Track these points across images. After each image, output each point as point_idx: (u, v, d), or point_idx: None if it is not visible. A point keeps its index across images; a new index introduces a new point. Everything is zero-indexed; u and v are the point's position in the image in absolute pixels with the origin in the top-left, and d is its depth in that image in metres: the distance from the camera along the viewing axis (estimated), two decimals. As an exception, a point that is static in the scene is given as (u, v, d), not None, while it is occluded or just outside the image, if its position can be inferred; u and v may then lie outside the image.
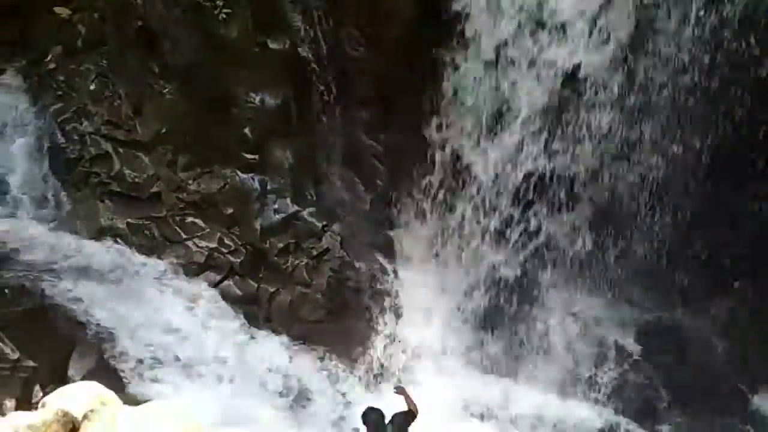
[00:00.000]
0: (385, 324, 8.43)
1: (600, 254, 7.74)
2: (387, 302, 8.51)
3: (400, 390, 6.23)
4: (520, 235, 7.83)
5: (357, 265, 8.37)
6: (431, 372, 8.25)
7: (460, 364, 8.33)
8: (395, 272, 8.51)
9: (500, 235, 7.90)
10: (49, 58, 8.16)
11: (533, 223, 7.77)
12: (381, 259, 8.44)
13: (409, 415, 5.97)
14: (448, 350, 8.40)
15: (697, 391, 7.93)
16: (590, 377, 8.08)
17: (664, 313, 8.21)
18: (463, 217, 8.16)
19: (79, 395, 2.84)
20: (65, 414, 2.71)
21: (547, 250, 7.80)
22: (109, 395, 2.90)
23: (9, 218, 8.18)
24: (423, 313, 8.53)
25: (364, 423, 5.94)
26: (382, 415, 5.91)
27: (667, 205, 7.50)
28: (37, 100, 8.29)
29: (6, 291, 7.30)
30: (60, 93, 8.23)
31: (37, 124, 8.35)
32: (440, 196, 8.23)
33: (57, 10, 8.07)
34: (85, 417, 2.75)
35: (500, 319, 8.21)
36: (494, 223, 7.88)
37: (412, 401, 6.08)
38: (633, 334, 8.25)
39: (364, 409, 6.03)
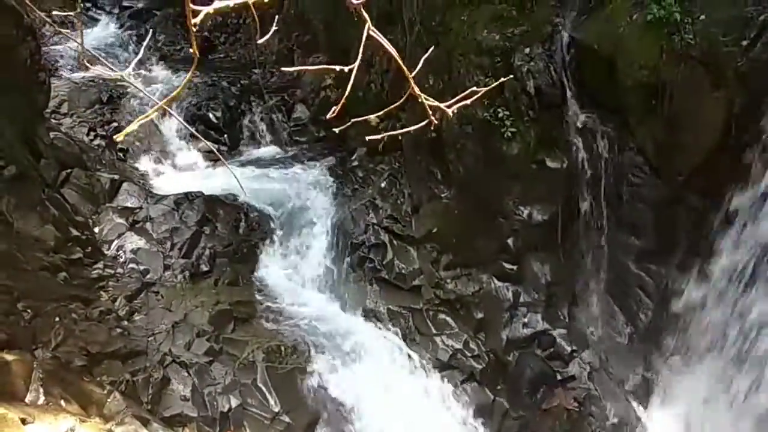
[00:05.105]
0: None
1: None
2: (633, 454, 7.58)
3: None
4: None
5: (603, 402, 7.70)
6: None
7: None
8: (647, 421, 7.57)
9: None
10: (354, 157, 9.66)
11: None
12: (632, 401, 7.63)
13: None
14: None
15: None
16: None
17: None
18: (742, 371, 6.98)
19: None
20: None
21: None
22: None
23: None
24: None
25: None
26: None
27: None
28: (338, 189, 9.75)
29: (282, 348, 8.42)
30: (356, 187, 9.59)
31: (334, 209, 9.76)
32: (711, 340, 7.21)
33: (369, 118, 9.55)
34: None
35: None
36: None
37: None
38: None
39: None
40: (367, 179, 9.63)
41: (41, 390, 5.65)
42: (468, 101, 2.18)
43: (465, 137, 8.60)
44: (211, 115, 11.57)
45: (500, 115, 8.05)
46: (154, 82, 12.25)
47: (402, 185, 9.30)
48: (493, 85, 2.46)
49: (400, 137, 9.45)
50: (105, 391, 6.43)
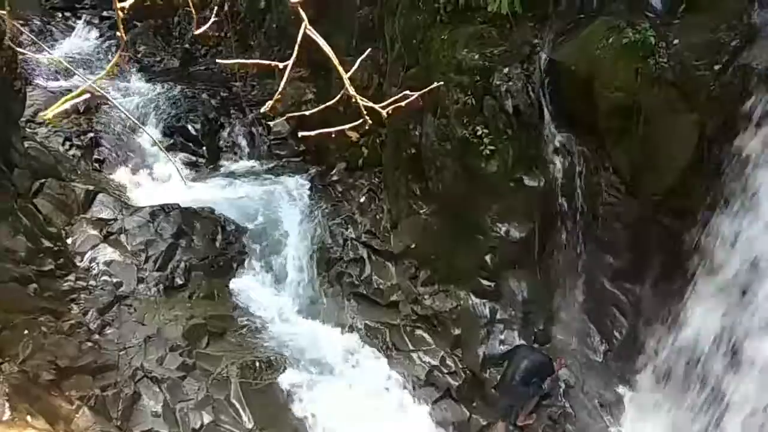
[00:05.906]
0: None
1: None
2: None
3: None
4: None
5: (578, 420, 7.72)
6: None
7: None
8: (621, 438, 7.61)
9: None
10: (334, 171, 9.67)
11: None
12: (606, 419, 7.66)
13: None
14: None
15: None
16: None
17: None
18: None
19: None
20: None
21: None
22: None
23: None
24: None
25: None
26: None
27: None
28: (316, 204, 9.74)
29: (257, 363, 8.31)
30: (335, 201, 9.61)
31: (313, 223, 9.73)
32: (687, 358, 7.27)
33: (349, 132, 9.58)
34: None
35: None
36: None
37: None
38: None
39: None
40: (346, 194, 9.64)
41: (7, 405, 5.52)
42: (402, 104, 2.23)
43: (444, 154, 8.65)
44: (190, 127, 11.50)
45: (479, 133, 8.12)
46: (131, 94, 12.15)
47: (381, 201, 9.33)
48: (426, 90, 2.50)
49: (380, 152, 9.52)
50: (73, 407, 6.29)
